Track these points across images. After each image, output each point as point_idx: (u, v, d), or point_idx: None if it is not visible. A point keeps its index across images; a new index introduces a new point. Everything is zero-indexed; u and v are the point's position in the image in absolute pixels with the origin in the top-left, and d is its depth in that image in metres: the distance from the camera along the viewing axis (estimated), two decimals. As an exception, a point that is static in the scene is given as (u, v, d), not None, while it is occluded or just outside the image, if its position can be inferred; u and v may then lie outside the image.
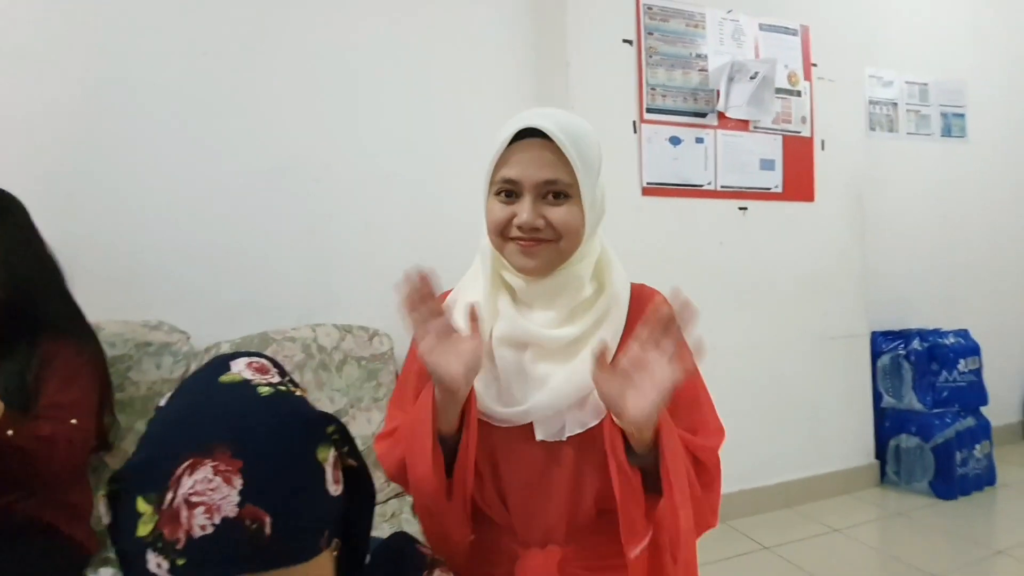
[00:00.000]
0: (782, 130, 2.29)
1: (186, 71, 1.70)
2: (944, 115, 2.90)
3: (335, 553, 0.50)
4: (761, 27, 2.26)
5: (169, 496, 0.41)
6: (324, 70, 1.85)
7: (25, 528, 1.08)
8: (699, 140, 2.16)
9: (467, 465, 0.77)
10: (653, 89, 2.09)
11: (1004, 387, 2.89)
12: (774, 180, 2.29)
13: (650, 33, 2.09)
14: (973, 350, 2.51)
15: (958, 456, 2.34)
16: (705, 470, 0.79)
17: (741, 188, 2.23)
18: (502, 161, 0.78)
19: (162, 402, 0.49)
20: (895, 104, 2.80)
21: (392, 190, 1.92)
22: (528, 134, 0.76)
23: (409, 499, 1.53)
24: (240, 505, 0.41)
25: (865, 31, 2.57)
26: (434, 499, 0.76)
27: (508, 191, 0.78)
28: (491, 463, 0.83)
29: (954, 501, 2.30)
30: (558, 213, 0.77)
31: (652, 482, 0.75)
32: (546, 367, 0.81)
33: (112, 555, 0.41)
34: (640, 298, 0.85)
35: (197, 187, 1.70)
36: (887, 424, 2.51)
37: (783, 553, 1.92)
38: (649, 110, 2.09)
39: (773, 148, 2.28)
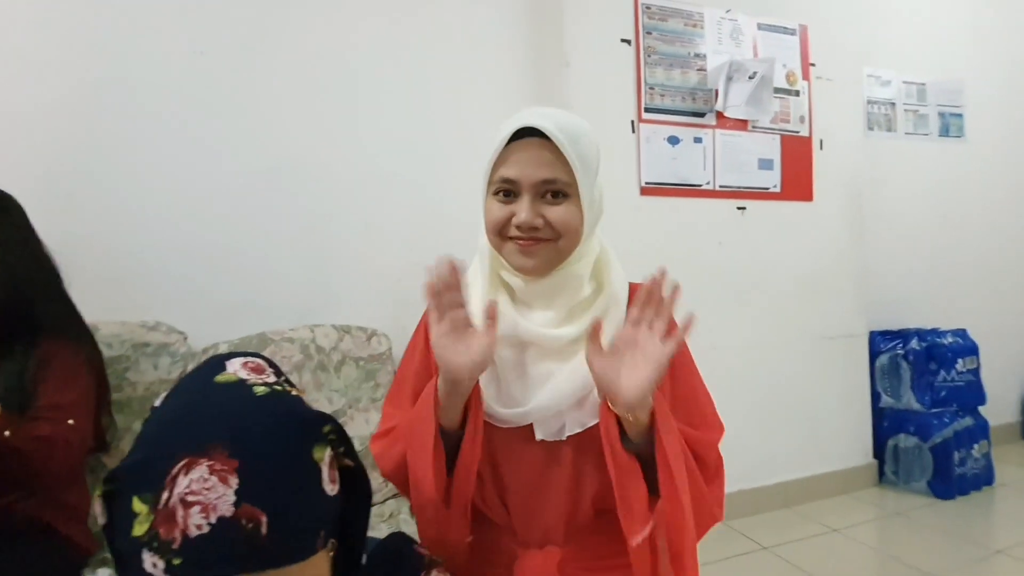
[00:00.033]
0: (780, 130, 2.29)
1: (185, 71, 1.69)
2: (942, 115, 2.91)
3: (331, 553, 0.50)
4: (759, 27, 2.26)
5: (165, 496, 0.41)
6: (323, 70, 1.85)
7: (23, 529, 1.07)
8: (697, 140, 2.16)
9: (471, 467, 0.77)
10: (651, 88, 2.09)
11: (1002, 387, 2.89)
12: (772, 180, 2.29)
13: (649, 32, 2.09)
14: (971, 350, 2.51)
15: (956, 456, 2.34)
16: (706, 465, 0.80)
17: (740, 188, 2.23)
18: (500, 161, 0.77)
19: (157, 402, 0.49)
20: (893, 104, 2.81)
21: (391, 190, 1.91)
22: (526, 133, 0.75)
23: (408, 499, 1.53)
24: (236, 505, 0.41)
25: (863, 31, 2.57)
26: (432, 497, 0.75)
27: (506, 191, 0.78)
28: (491, 463, 0.83)
29: (952, 501, 2.30)
30: (557, 212, 0.77)
31: (650, 475, 0.75)
32: (546, 367, 0.81)
33: (110, 555, 0.41)
34: None
35: (195, 187, 1.70)
36: (885, 424, 2.51)
37: (782, 553, 1.92)
38: (647, 109, 2.09)
39: (771, 148, 2.28)
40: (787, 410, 2.31)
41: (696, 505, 0.75)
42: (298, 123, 1.82)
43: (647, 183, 2.09)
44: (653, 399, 0.73)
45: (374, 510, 1.52)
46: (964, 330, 2.58)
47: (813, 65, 2.36)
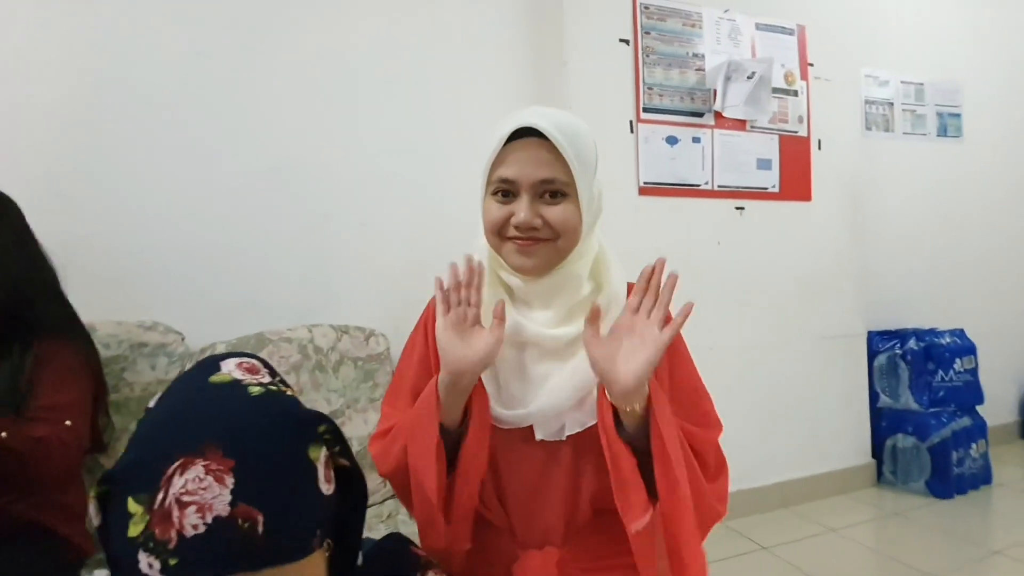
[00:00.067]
0: (779, 130, 2.29)
1: (183, 71, 1.69)
2: (940, 115, 2.91)
3: (327, 553, 0.50)
4: (758, 27, 2.26)
5: (160, 496, 0.40)
6: (323, 70, 1.85)
7: (20, 530, 1.07)
8: (696, 140, 2.16)
9: (476, 467, 0.77)
10: (650, 88, 2.09)
11: (1000, 386, 2.89)
12: (771, 180, 2.29)
13: (647, 32, 2.09)
14: (969, 350, 2.52)
15: (954, 455, 2.34)
16: (706, 463, 0.80)
17: (738, 188, 2.23)
18: (498, 161, 0.77)
19: (152, 403, 0.49)
20: (891, 104, 2.81)
21: (390, 190, 1.91)
22: (524, 133, 0.75)
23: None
24: (232, 504, 0.41)
25: (861, 31, 2.58)
26: (434, 493, 0.75)
27: (505, 191, 0.78)
28: (490, 464, 0.83)
29: (950, 500, 2.30)
30: (555, 212, 0.77)
31: (648, 472, 0.75)
32: (545, 366, 0.81)
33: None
34: None
35: (194, 187, 1.70)
36: (884, 424, 2.51)
37: (780, 553, 1.92)
38: (646, 109, 2.09)
39: (770, 148, 2.28)
40: (786, 410, 2.31)
41: (696, 500, 0.74)
42: (297, 123, 1.82)
43: (645, 183, 2.09)
44: (650, 388, 0.73)
45: (372, 510, 1.52)
46: (962, 330, 2.58)
47: (811, 65, 2.36)
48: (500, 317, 0.77)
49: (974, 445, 2.41)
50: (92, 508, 0.44)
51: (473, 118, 1.96)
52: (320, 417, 0.49)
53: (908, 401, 2.45)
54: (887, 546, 2.01)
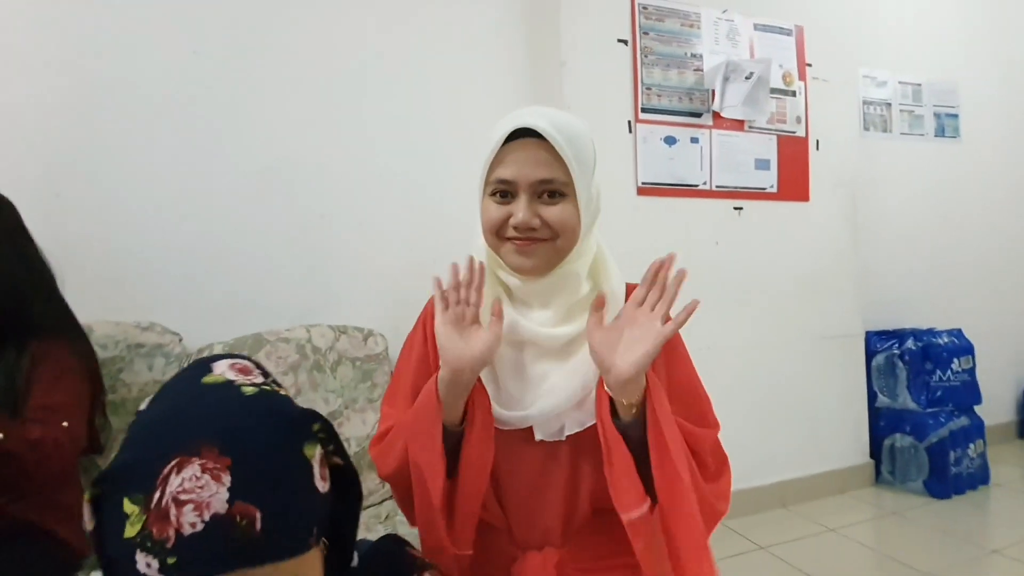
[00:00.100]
0: (777, 130, 2.30)
1: (179, 71, 1.69)
2: (937, 115, 2.92)
3: (323, 553, 0.49)
4: (756, 27, 2.27)
5: (157, 495, 0.40)
6: (321, 70, 1.85)
7: (17, 530, 1.07)
8: (694, 140, 2.16)
9: (481, 465, 0.77)
10: (648, 89, 2.09)
11: (997, 386, 2.90)
12: (769, 180, 2.29)
13: (645, 33, 2.09)
14: (967, 349, 2.52)
15: (952, 455, 2.35)
16: (705, 464, 0.79)
17: (736, 188, 2.23)
18: (496, 161, 0.77)
19: (143, 406, 0.48)
20: (889, 104, 2.81)
21: (388, 189, 1.91)
22: (522, 134, 0.75)
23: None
24: (230, 502, 0.41)
25: (859, 31, 2.58)
26: (439, 490, 0.75)
27: (503, 191, 0.78)
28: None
29: (948, 500, 2.31)
30: (554, 212, 0.77)
31: (642, 466, 0.74)
32: (544, 366, 0.81)
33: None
34: None
35: (191, 187, 1.69)
36: (882, 423, 2.51)
37: (778, 553, 1.92)
38: (644, 110, 2.09)
39: (768, 148, 2.28)
40: (784, 410, 2.31)
41: (696, 497, 0.74)
42: (295, 123, 1.81)
43: (644, 183, 2.09)
44: (648, 383, 0.73)
45: (371, 511, 1.52)
46: (959, 330, 2.59)
47: (809, 65, 2.36)
48: (498, 315, 0.77)
49: (972, 445, 2.41)
50: (86, 512, 0.44)
51: (472, 118, 1.96)
52: (314, 415, 0.49)
53: (906, 401, 2.46)
54: (885, 546, 2.01)
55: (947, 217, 2.90)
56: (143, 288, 1.63)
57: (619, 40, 2.06)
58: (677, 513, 0.73)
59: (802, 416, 2.34)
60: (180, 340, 1.54)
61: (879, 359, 2.53)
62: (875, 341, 2.55)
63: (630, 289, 0.86)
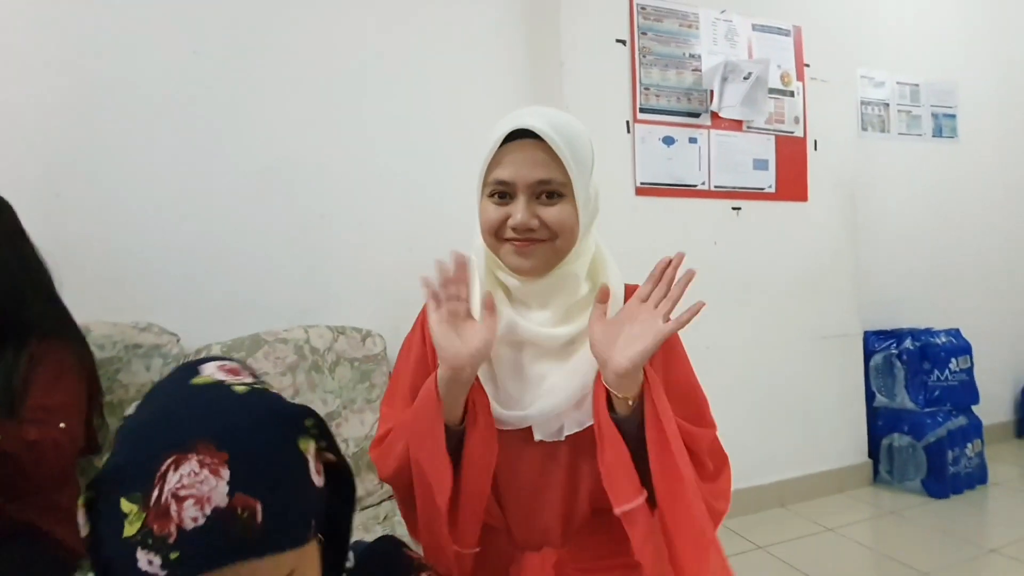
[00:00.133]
0: (775, 130, 2.30)
1: (179, 71, 1.68)
2: (935, 116, 2.92)
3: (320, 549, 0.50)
4: (754, 27, 2.27)
5: (155, 493, 0.41)
6: (321, 70, 1.84)
7: (14, 531, 1.06)
8: (693, 140, 2.16)
9: (485, 463, 0.77)
10: (647, 89, 2.09)
11: (995, 386, 2.91)
12: (767, 180, 2.29)
13: (644, 33, 2.09)
14: (964, 349, 2.52)
15: (950, 455, 2.35)
16: (701, 462, 0.79)
17: (735, 188, 2.24)
18: (494, 162, 0.77)
19: (130, 410, 0.48)
20: (887, 104, 2.82)
21: (387, 190, 1.91)
22: (520, 134, 0.75)
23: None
24: (230, 495, 0.41)
25: (857, 32, 2.58)
26: (443, 487, 0.75)
27: (501, 192, 0.78)
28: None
29: (946, 500, 2.31)
30: (552, 212, 0.77)
31: (638, 463, 0.74)
32: (543, 366, 0.81)
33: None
34: None
35: (190, 187, 1.69)
36: (880, 423, 2.52)
37: (777, 552, 1.93)
38: (643, 110, 2.09)
39: (766, 148, 2.29)
40: (783, 410, 2.31)
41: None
42: (295, 123, 1.81)
43: (642, 183, 2.09)
44: (647, 379, 0.73)
45: (369, 512, 1.52)
46: (957, 330, 2.59)
47: (807, 66, 2.36)
48: (490, 308, 0.77)
49: (970, 444, 2.42)
50: (80, 517, 0.44)
51: (471, 118, 1.96)
52: (306, 411, 0.50)
53: (904, 400, 2.46)
54: (884, 545, 2.02)
55: (945, 217, 2.91)
56: (142, 288, 1.62)
57: (618, 40, 2.06)
58: (676, 510, 0.73)
59: (800, 416, 2.35)
60: (178, 340, 1.54)
61: (877, 359, 2.53)
62: (873, 341, 2.55)
63: (629, 290, 0.86)
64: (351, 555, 0.60)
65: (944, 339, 2.51)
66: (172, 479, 0.41)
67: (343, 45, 1.87)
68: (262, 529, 0.42)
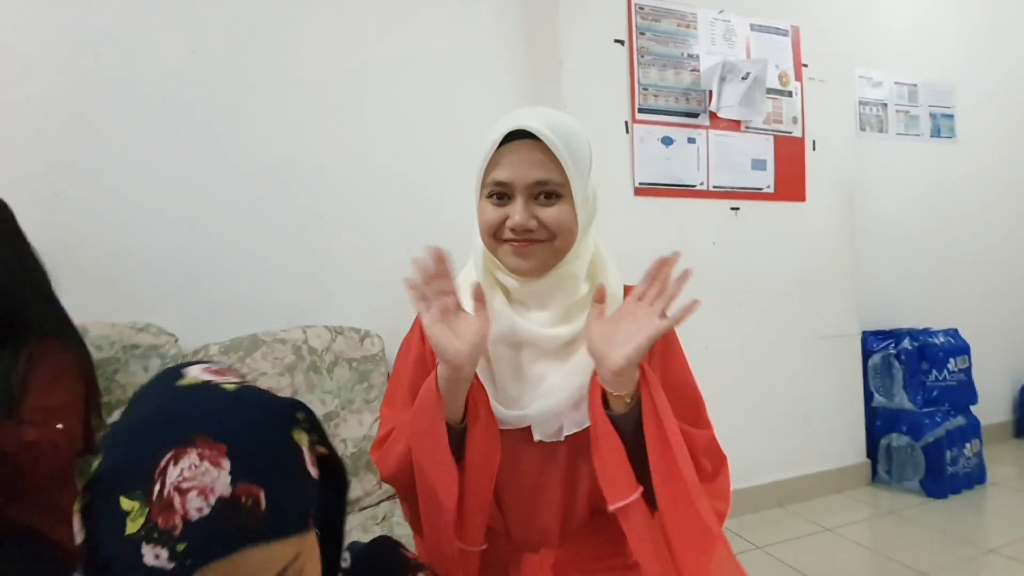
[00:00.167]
0: (773, 130, 2.30)
1: (175, 70, 1.68)
2: (933, 116, 2.93)
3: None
4: (752, 27, 2.27)
5: (157, 488, 0.41)
6: (320, 70, 1.84)
7: (12, 533, 1.06)
8: (691, 140, 2.16)
9: (488, 462, 0.77)
10: (645, 89, 2.09)
11: (994, 386, 2.91)
12: (766, 180, 2.29)
13: (642, 33, 2.09)
14: (963, 349, 2.53)
15: (948, 455, 2.35)
16: (699, 462, 0.79)
17: (733, 188, 2.24)
18: (493, 163, 0.77)
19: (114, 417, 0.49)
20: (885, 105, 2.82)
21: (385, 190, 1.91)
22: (518, 135, 0.75)
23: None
24: (233, 484, 0.42)
25: (855, 32, 2.59)
26: (448, 485, 0.74)
27: (500, 193, 0.78)
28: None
29: (945, 500, 2.31)
30: (550, 213, 0.77)
31: (634, 461, 0.74)
32: (542, 367, 0.81)
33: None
34: None
35: (187, 188, 1.69)
36: (878, 423, 2.52)
37: (775, 552, 1.93)
38: (641, 110, 2.09)
39: (765, 148, 2.29)
40: (781, 410, 2.31)
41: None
42: (295, 123, 1.81)
43: (641, 184, 2.09)
44: (645, 377, 0.73)
45: (367, 512, 1.51)
46: (955, 330, 2.60)
47: (805, 66, 2.37)
48: (479, 299, 0.76)
49: (968, 444, 2.42)
50: (76, 523, 0.44)
51: (470, 118, 1.96)
52: (297, 404, 0.50)
53: (902, 401, 2.46)
54: (882, 545, 2.02)
55: (943, 217, 2.91)
56: (141, 288, 1.62)
57: (616, 40, 2.07)
58: (677, 509, 0.73)
59: (799, 416, 2.35)
60: (176, 341, 1.54)
61: (875, 359, 2.54)
62: (871, 341, 2.56)
63: (628, 291, 0.86)
64: (348, 555, 0.60)
65: (942, 339, 2.52)
66: (173, 473, 0.41)
67: (342, 45, 1.87)
68: (266, 516, 0.42)
